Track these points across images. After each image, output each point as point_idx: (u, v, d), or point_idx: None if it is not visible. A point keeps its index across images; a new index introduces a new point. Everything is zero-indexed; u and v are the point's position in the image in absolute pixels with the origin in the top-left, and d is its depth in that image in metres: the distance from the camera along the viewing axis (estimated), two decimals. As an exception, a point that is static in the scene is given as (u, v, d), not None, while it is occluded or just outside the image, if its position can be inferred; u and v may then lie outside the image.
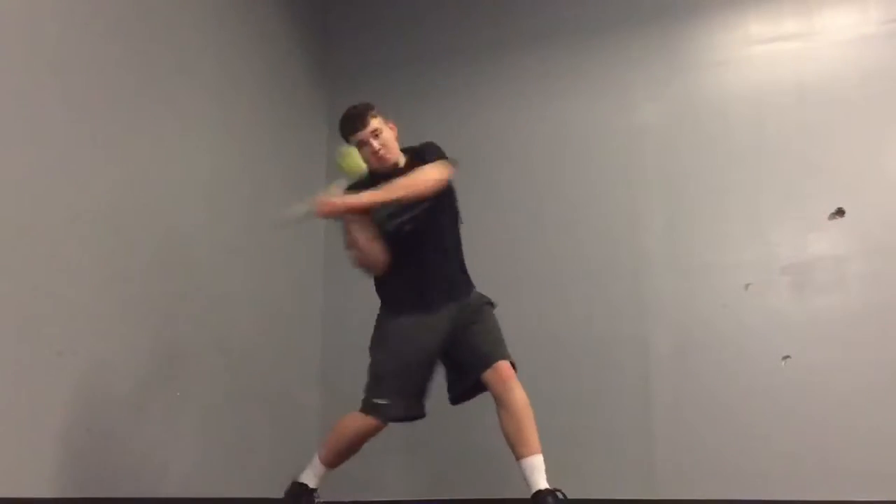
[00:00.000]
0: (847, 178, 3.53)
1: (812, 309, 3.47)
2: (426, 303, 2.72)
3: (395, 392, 2.68)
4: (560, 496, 2.50)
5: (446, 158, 2.72)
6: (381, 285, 2.82)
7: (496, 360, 2.64)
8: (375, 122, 2.74)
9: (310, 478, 2.74)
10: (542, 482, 2.52)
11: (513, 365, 2.66)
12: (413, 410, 2.74)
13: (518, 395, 2.59)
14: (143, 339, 3.00)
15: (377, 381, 2.70)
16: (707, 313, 3.61)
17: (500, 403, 2.60)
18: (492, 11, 4.32)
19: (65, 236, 2.68)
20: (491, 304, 2.82)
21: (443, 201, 2.73)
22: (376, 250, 2.71)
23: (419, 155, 2.73)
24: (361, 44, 4.54)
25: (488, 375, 2.62)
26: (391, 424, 2.72)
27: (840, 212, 3.51)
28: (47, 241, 2.61)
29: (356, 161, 2.67)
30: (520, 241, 3.98)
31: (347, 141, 2.76)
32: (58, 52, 2.74)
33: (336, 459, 2.74)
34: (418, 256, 2.73)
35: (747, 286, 3.57)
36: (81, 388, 2.70)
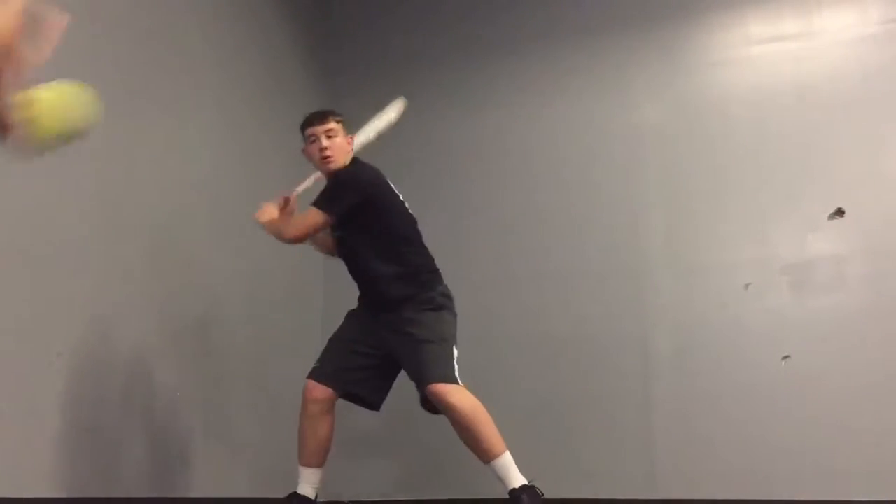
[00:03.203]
0: (847, 178, 3.53)
1: (812, 309, 3.47)
2: (366, 306, 2.87)
3: (327, 358, 2.81)
4: (537, 491, 2.50)
5: (333, 201, 2.69)
6: None
7: (426, 385, 2.60)
8: (334, 125, 2.79)
9: (303, 487, 2.75)
10: (514, 481, 2.52)
11: (448, 377, 2.59)
12: (348, 387, 2.79)
13: (457, 414, 2.55)
14: (143, 340, 2.99)
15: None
16: (707, 313, 3.61)
17: (449, 420, 2.61)
18: (492, 11, 4.32)
19: (65, 236, 2.67)
20: (435, 309, 2.74)
21: (356, 223, 2.74)
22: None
23: (331, 182, 2.77)
24: (363, 42, 4.54)
25: (429, 397, 2.62)
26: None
27: (840, 212, 3.51)
28: (47, 241, 2.60)
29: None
30: (519, 241, 3.97)
31: (303, 133, 2.84)
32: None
33: (306, 450, 2.77)
34: (354, 268, 2.87)
35: (747, 286, 3.57)
36: (81, 388, 2.69)
